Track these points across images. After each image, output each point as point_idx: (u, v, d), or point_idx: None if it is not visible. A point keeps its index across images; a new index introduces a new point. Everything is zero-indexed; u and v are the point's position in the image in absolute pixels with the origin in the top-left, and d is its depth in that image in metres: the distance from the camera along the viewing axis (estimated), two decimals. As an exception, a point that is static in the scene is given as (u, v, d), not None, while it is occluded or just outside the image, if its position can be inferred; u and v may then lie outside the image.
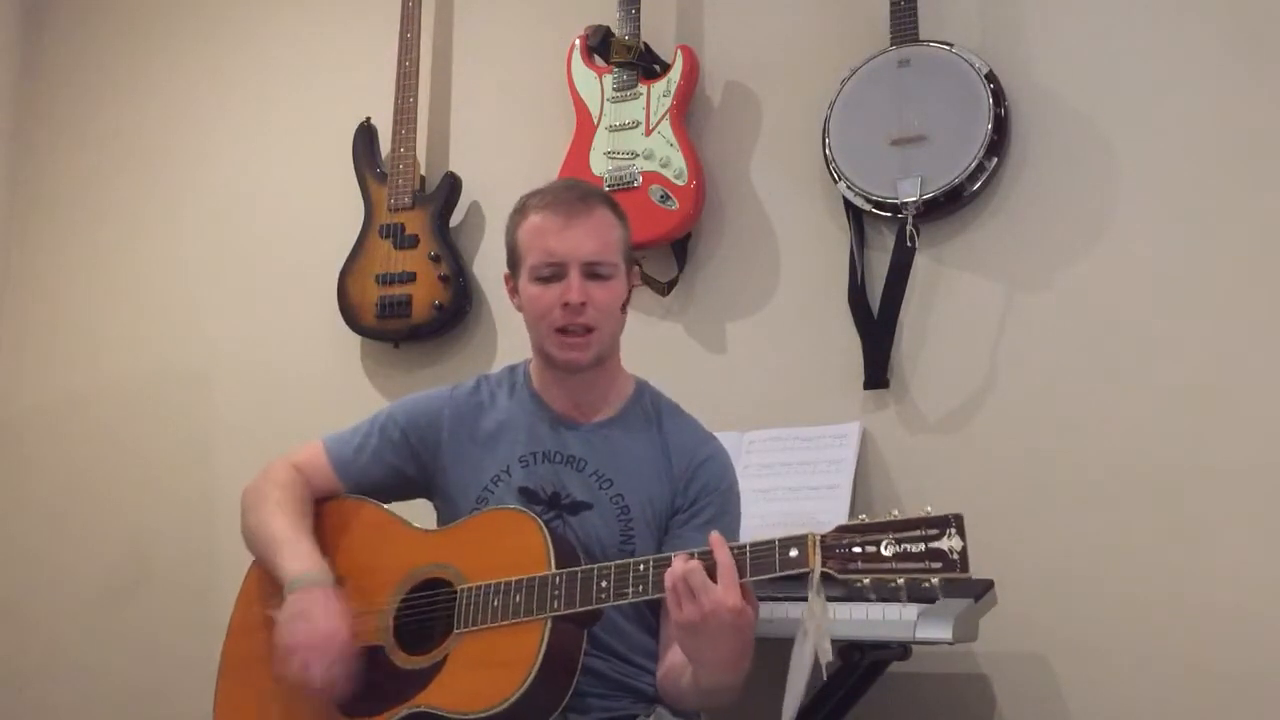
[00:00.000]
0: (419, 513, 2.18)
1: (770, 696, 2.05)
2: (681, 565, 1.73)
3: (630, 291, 2.16)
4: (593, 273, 2.05)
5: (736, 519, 2.13)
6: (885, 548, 1.65)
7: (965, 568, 1.61)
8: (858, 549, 1.67)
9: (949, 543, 1.62)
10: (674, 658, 1.96)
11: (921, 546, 1.63)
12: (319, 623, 1.92)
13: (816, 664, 1.69)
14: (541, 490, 2.07)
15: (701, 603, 1.70)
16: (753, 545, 1.74)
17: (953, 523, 1.63)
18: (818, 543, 1.70)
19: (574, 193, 2.11)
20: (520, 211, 2.12)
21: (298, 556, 2.01)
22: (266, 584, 2.12)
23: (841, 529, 1.70)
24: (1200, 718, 2.39)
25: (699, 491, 2.08)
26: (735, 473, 2.16)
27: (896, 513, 1.67)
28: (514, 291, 2.14)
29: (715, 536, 1.75)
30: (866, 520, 1.69)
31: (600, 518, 2.05)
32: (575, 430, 2.12)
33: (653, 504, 2.07)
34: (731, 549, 1.75)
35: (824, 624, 1.68)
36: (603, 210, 2.09)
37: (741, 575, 1.73)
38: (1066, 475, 2.56)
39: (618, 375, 2.18)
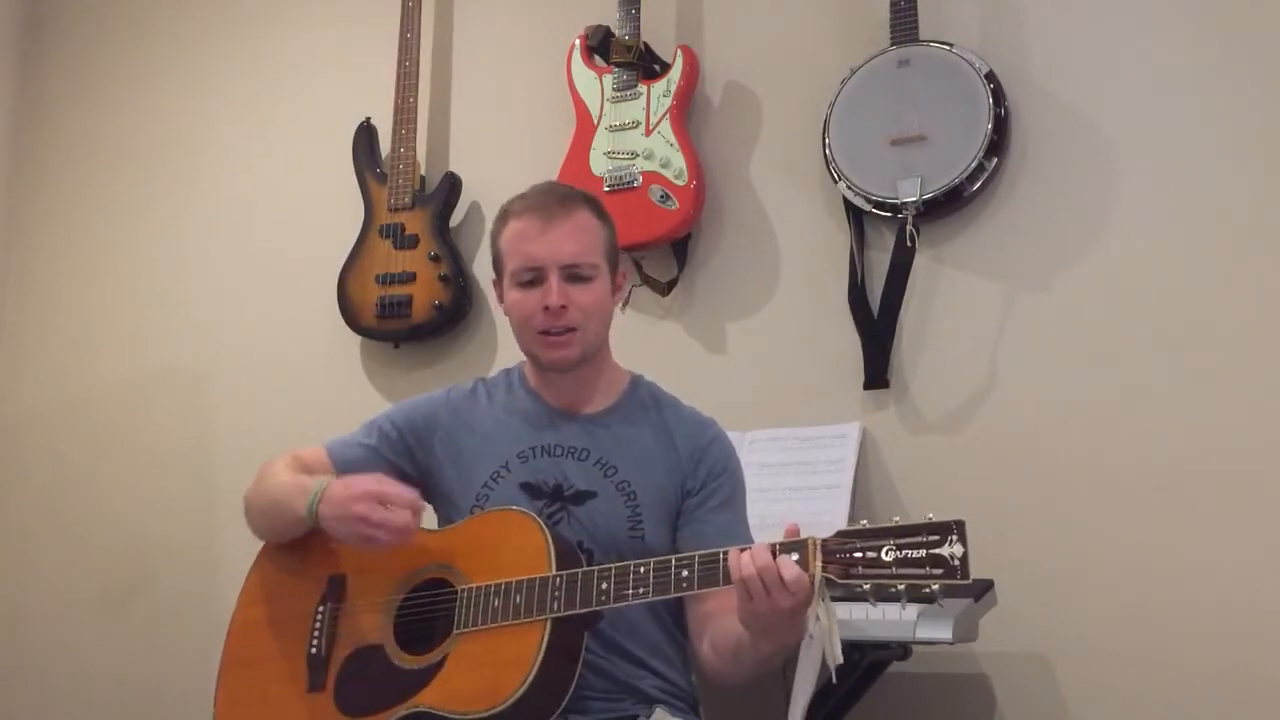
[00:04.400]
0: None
1: (770, 696, 2.06)
2: (750, 565, 1.72)
3: (628, 291, 2.16)
4: (573, 275, 2.05)
5: (744, 500, 2.14)
6: (886, 553, 1.65)
7: (966, 574, 1.61)
8: (859, 554, 1.67)
9: (950, 549, 1.62)
10: (720, 635, 1.95)
11: (923, 553, 1.63)
12: (346, 500, 1.94)
13: (824, 666, 1.69)
14: (543, 484, 2.07)
15: (776, 600, 1.70)
16: (764, 548, 1.73)
17: (954, 529, 1.63)
18: (819, 547, 1.70)
19: (552, 196, 2.12)
20: (502, 217, 2.13)
21: (298, 492, 2.03)
22: (271, 582, 2.14)
23: (843, 534, 1.70)
24: (1200, 717, 2.39)
25: (708, 474, 2.09)
26: (738, 453, 2.18)
27: (898, 519, 1.67)
28: (502, 298, 2.15)
29: (785, 562, 1.72)
30: (868, 525, 1.69)
31: (607, 505, 2.05)
32: (574, 421, 2.13)
33: (660, 489, 2.07)
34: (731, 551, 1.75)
35: (830, 627, 1.68)
36: (582, 212, 2.09)
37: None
38: (1066, 475, 2.56)
39: (611, 370, 2.19)
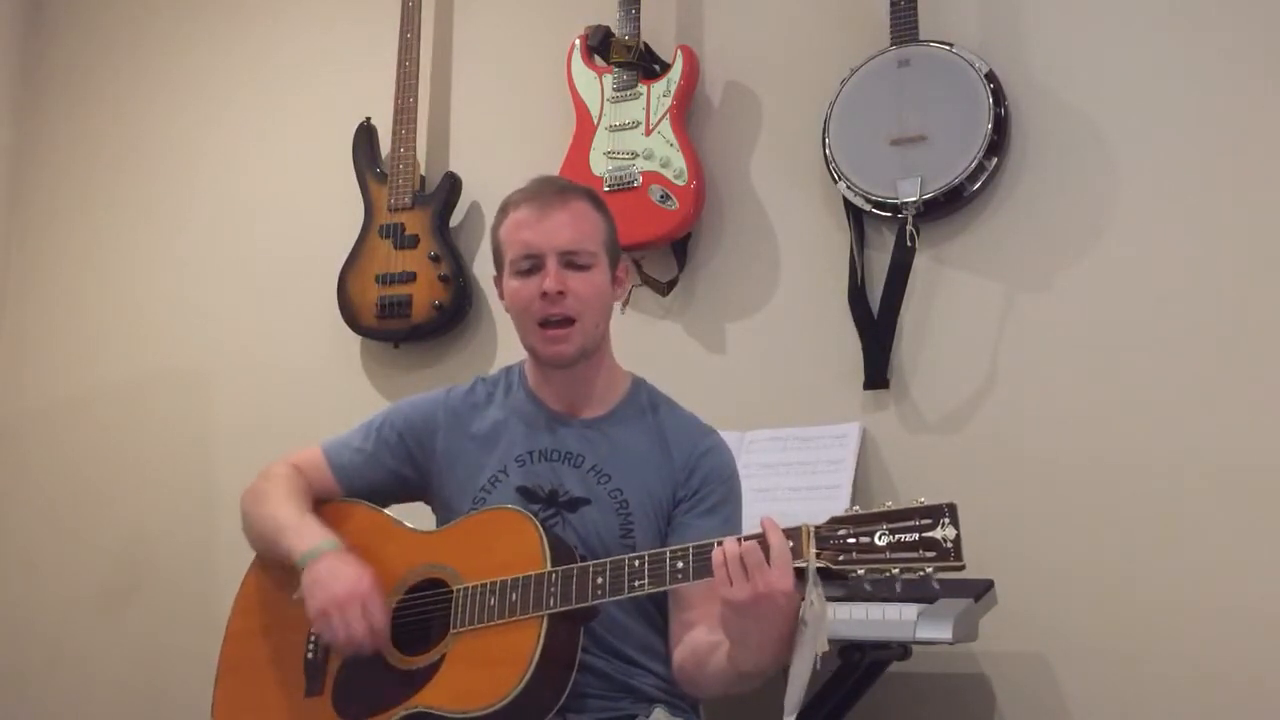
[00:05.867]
0: (418, 515, 2.17)
1: (770, 695, 2.06)
2: (734, 545, 1.72)
3: (628, 291, 2.15)
4: (570, 262, 2.05)
5: (739, 507, 2.12)
6: (879, 538, 1.65)
7: (959, 556, 1.61)
8: (852, 540, 1.67)
9: (942, 532, 1.62)
10: (697, 640, 1.95)
11: (915, 536, 1.63)
12: (338, 582, 1.93)
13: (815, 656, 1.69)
14: (539, 488, 2.06)
15: (756, 583, 1.69)
16: (746, 538, 1.74)
17: (946, 512, 1.63)
18: (812, 534, 1.70)
19: (551, 187, 2.12)
20: (502, 211, 2.13)
21: (303, 535, 2.02)
22: (265, 587, 2.13)
23: (835, 520, 1.70)
24: (1200, 717, 2.39)
25: (701, 481, 2.07)
26: (735, 464, 2.16)
27: (890, 503, 1.67)
28: (503, 294, 2.14)
29: (768, 520, 1.73)
30: (860, 511, 1.69)
31: (599, 512, 2.04)
32: (571, 427, 2.12)
33: (652, 497, 2.06)
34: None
35: (823, 615, 1.67)
36: (580, 202, 2.09)
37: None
38: (1066, 475, 2.56)
39: (612, 371, 2.17)
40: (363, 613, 1.91)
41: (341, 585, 1.92)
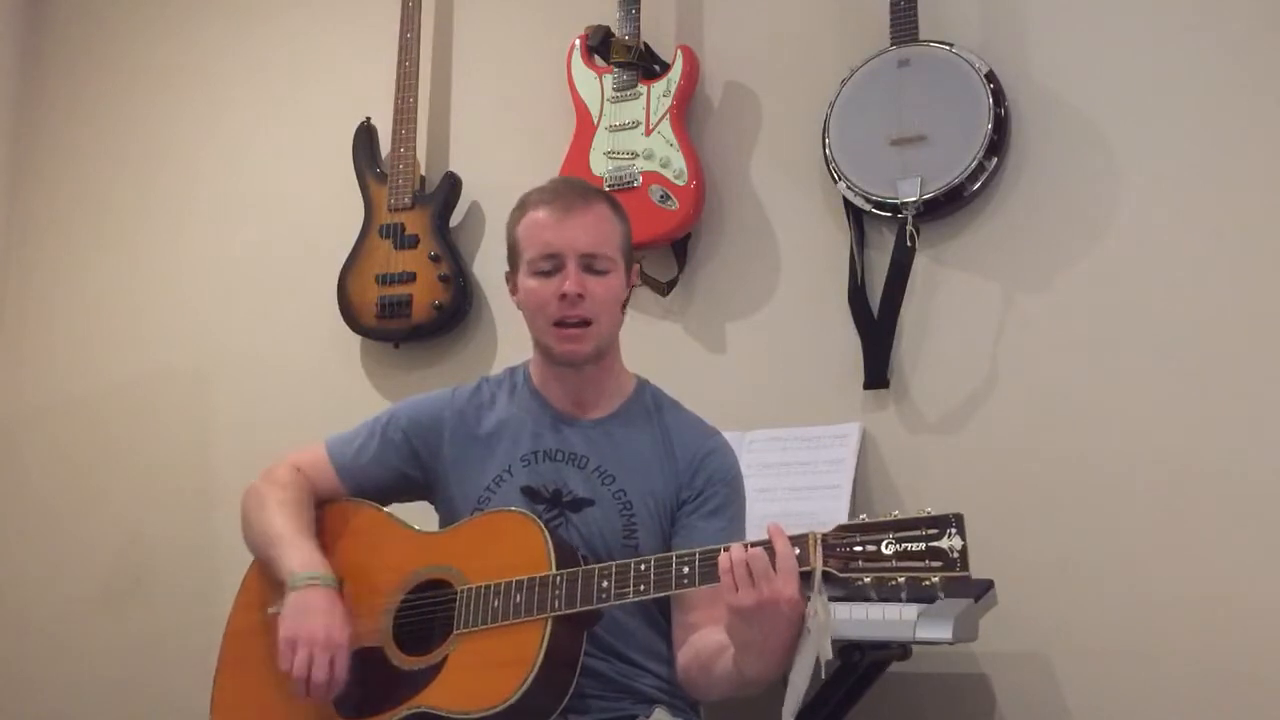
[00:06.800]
0: (420, 515, 2.18)
1: (770, 696, 2.06)
2: (740, 551, 1.73)
3: (630, 291, 2.16)
4: (590, 266, 2.06)
5: (744, 509, 2.13)
6: (886, 547, 1.66)
7: (965, 567, 1.62)
8: (859, 548, 1.68)
9: (949, 542, 1.63)
10: (702, 643, 1.95)
11: (922, 546, 1.64)
12: (320, 620, 1.93)
13: (817, 663, 1.69)
14: (544, 489, 2.07)
15: (761, 589, 1.70)
16: (753, 544, 1.74)
17: (953, 522, 1.64)
18: (819, 541, 1.70)
19: (573, 189, 2.13)
20: (520, 208, 2.13)
21: (299, 554, 2.02)
22: (266, 586, 2.12)
23: (842, 528, 1.71)
24: (1201, 717, 2.39)
25: (705, 482, 2.08)
26: (740, 466, 2.16)
27: (897, 512, 1.68)
28: (515, 290, 2.14)
29: (774, 527, 1.74)
30: (867, 519, 1.70)
31: (602, 513, 2.04)
32: (576, 427, 2.12)
33: (655, 498, 2.06)
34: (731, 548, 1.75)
35: (826, 623, 1.68)
36: (601, 206, 2.10)
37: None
38: (1067, 475, 2.56)
39: (618, 373, 2.18)
40: (328, 662, 1.91)
41: (326, 627, 1.92)
